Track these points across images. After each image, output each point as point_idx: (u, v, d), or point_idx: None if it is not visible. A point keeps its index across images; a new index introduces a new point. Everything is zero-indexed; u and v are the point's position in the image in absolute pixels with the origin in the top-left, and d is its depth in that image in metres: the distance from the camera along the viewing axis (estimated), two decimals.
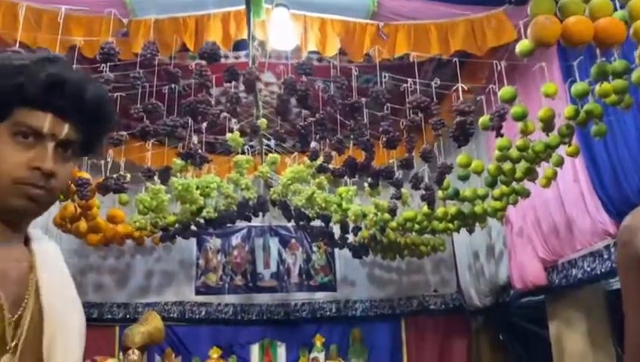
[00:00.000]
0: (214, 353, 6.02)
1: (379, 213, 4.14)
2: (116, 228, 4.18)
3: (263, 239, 6.28)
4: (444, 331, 6.23)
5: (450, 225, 4.30)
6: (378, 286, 6.29)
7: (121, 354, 3.84)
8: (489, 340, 6.55)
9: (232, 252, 6.19)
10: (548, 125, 2.95)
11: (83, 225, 3.93)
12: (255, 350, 6.13)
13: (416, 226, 4.35)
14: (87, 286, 5.88)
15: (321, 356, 6.09)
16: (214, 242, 6.19)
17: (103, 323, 5.61)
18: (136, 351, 3.78)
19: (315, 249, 6.32)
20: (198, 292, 6.12)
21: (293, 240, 6.32)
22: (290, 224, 6.17)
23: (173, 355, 5.82)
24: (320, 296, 6.24)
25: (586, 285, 4.39)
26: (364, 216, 4.34)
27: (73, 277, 1.18)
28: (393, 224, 4.41)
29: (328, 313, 6.20)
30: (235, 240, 6.23)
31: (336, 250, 6.26)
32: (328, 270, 6.32)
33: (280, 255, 6.26)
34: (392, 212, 4.05)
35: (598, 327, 4.62)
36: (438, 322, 6.25)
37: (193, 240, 6.07)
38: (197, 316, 6.03)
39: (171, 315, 5.97)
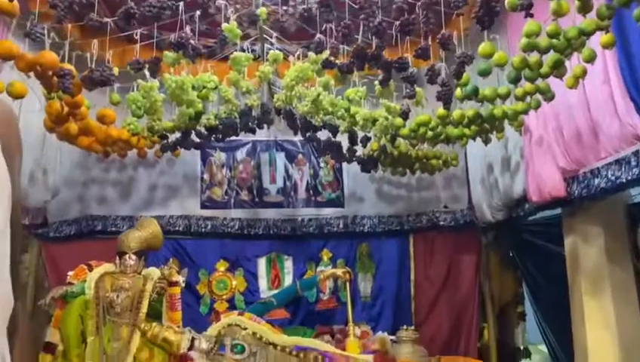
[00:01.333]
0: (221, 266, 5.87)
1: (390, 117, 3.76)
2: (109, 131, 3.85)
3: (269, 154, 5.96)
4: (453, 247, 6.00)
5: (466, 131, 3.92)
6: (387, 202, 6.01)
7: (117, 259, 3.59)
8: (499, 257, 6.32)
9: (237, 166, 5.89)
10: (585, 4, 2.50)
11: (73, 126, 3.60)
12: (262, 263, 5.94)
13: (430, 133, 3.97)
14: (90, 200, 5.65)
15: (328, 269, 5.88)
16: (219, 156, 5.88)
17: (107, 235, 5.41)
18: (133, 256, 3.53)
19: (322, 164, 6.01)
20: (203, 207, 5.88)
21: (300, 156, 6.00)
22: (297, 138, 5.85)
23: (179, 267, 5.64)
24: (327, 211, 5.98)
25: (607, 197, 4.07)
26: (374, 121, 3.96)
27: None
28: (405, 131, 4.04)
29: (335, 228, 5.95)
30: (240, 154, 5.92)
31: (345, 166, 5.96)
32: (336, 186, 6.02)
33: (286, 170, 5.97)
34: (404, 115, 3.67)
35: (616, 242, 4.34)
36: (447, 238, 6.01)
37: (197, 154, 5.78)
38: (203, 230, 5.82)
39: (177, 228, 5.76)
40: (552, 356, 6.32)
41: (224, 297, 5.83)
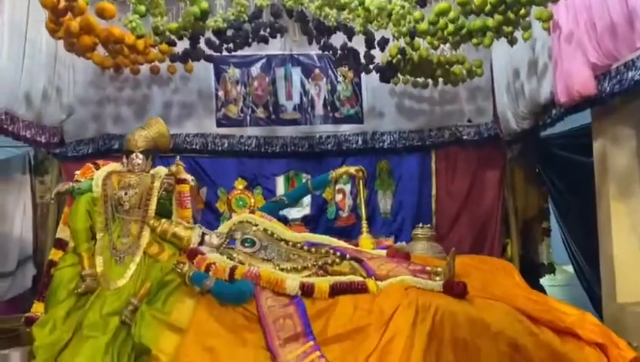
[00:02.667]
0: (239, 184, 5.78)
1: (406, 5, 3.49)
2: (110, 29, 3.68)
3: (285, 69, 5.74)
4: (476, 162, 5.78)
5: (489, 22, 3.63)
6: (408, 117, 5.78)
7: (124, 158, 3.49)
8: (524, 172, 6.10)
9: (252, 83, 5.70)
10: None
11: (74, 24, 3.44)
12: (280, 181, 5.82)
13: (450, 26, 3.70)
14: (105, 118, 5.57)
15: (347, 187, 5.77)
16: (233, 72, 5.69)
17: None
18: (140, 155, 3.42)
19: (340, 79, 5.77)
20: (219, 125, 5.74)
21: (316, 70, 5.77)
22: (314, 52, 5.62)
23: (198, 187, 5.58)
24: (346, 128, 5.79)
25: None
26: (390, 15, 3.70)
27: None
28: (423, 25, 3.77)
29: (354, 145, 5.77)
30: (255, 70, 5.71)
31: (364, 80, 5.72)
32: (355, 101, 5.80)
33: (303, 86, 5.75)
34: (422, 2, 3.39)
35: None
36: (470, 153, 5.79)
37: (210, 70, 5.62)
38: (220, 148, 5.70)
39: (193, 147, 5.66)
40: (578, 273, 6.18)
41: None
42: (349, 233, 5.34)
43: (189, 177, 3.44)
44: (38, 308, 3.29)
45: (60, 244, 3.39)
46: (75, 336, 2.93)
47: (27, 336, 2.98)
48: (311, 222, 5.72)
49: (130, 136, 3.58)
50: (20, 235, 5.49)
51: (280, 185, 5.85)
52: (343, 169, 3.92)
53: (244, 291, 2.87)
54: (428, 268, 3.12)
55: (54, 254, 3.40)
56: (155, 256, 3.21)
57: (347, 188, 5.78)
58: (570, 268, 6.88)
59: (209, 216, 5.54)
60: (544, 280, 6.33)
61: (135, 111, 5.63)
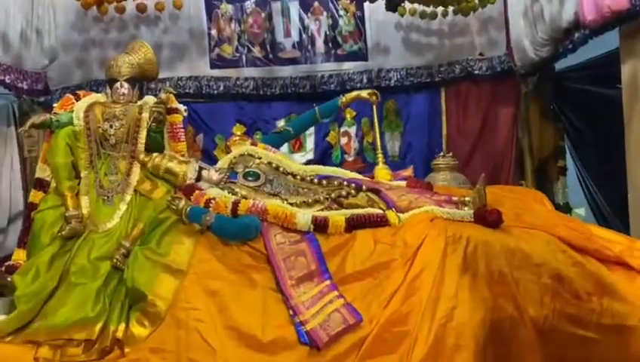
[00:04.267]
0: (238, 130, 5.32)
1: None
2: None
3: (281, 3, 5.25)
4: (489, 98, 5.35)
5: None
6: (415, 52, 5.31)
7: (107, 88, 3.07)
8: (539, 108, 5.67)
9: (246, 19, 5.20)
10: None
11: None
12: (281, 124, 5.35)
13: None
14: (91, 63, 5.09)
15: (352, 130, 5.36)
16: (225, 8, 5.19)
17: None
18: (125, 84, 3.00)
19: (342, 12, 5.27)
20: (213, 66, 5.26)
21: (315, 3, 5.27)
22: None
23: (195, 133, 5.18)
24: (349, 65, 5.32)
25: None
26: None
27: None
28: None
29: (359, 84, 5.30)
30: (249, 5, 5.21)
31: (367, 13, 5.22)
32: (358, 37, 5.32)
33: (302, 21, 5.26)
34: None
35: None
36: (482, 89, 5.35)
37: (201, 8, 5.13)
38: (215, 91, 5.24)
39: (187, 91, 5.18)
40: (596, 213, 5.87)
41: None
42: None
43: (181, 107, 3.03)
44: (19, 255, 2.90)
45: (40, 185, 2.97)
46: (61, 284, 2.57)
47: (10, 286, 2.63)
48: None
49: (113, 62, 3.15)
50: (8, 191, 5.12)
51: None
52: (355, 93, 3.51)
53: (250, 225, 2.50)
54: (454, 198, 2.75)
55: (34, 196, 3.00)
56: (148, 193, 2.82)
57: (352, 130, 5.38)
58: (582, 211, 6.60)
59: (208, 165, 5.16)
60: None
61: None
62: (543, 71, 5.11)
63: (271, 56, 5.26)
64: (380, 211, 2.66)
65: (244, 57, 5.25)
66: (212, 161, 5.42)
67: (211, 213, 2.50)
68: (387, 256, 2.49)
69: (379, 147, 3.41)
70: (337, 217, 2.59)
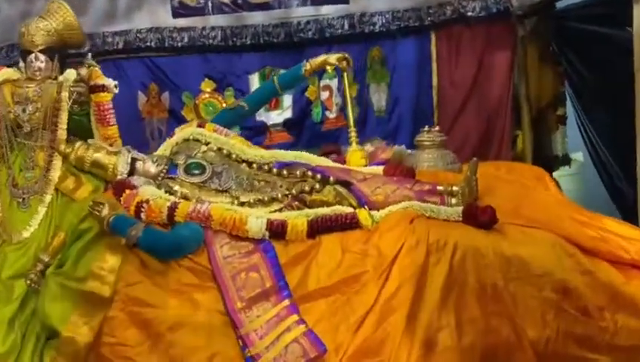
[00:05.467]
0: (207, 86, 4.68)
1: None
2: None
3: None
4: (483, 43, 4.70)
5: None
6: None
7: (20, 62, 2.48)
8: (538, 52, 5.05)
9: None
10: None
11: None
12: (255, 80, 4.72)
13: None
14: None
15: (334, 83, 4.74)
16: None
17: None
18: (41, 56, 2.41)
19: None
20: (176, 15, 4.56)
21: None
22: None
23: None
24: (328, 10, 4.62)
25: None
26: None
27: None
28: None
29: (340, 31, 4.64)
30: None
31: None
32: None
33: None
34: None
35: None
36: (476, 33, 4.69)
37: None
38: (179, 44, 4.55)
39: (148, 44, 4.49)
40: (596, 162, 5.44)
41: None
42: (339, 137, 4.44)
43: (109, 82, 2.46)
44: None
45: None
46: None
47: None
48: (294, 127, 4.78)
49: (24, 29, 2.54)
50: None
51: (255, 85, 4.82)
52: (321, 58, 2.93)
53: (188, 239, 2.00)
54: (440, 188, 2.24)
55: None
56: (70, 193, 2.31)
57: (334, 83, 4.76)
58: (579, 156, 6.21)
59: (175, 127, 4.58)
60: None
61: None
62: (543, 9, 4.52)
63: (240, 1, 4.60)
64: (350, 210, 2.15)
65: (209, 3, 4.55)
66: (180, 121, 4.88)
67: (139, 225, 1.98)
68: (358, 268, 2.00)
69: (351, 124, 2.86)
70: (298, 220, 2.08)
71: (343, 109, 4.82)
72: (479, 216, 2.04)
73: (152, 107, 4.43)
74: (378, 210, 2.19)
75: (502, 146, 4.84)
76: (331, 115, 4.81)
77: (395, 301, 1.93)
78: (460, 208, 2.11)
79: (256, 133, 4.17)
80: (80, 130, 2.48)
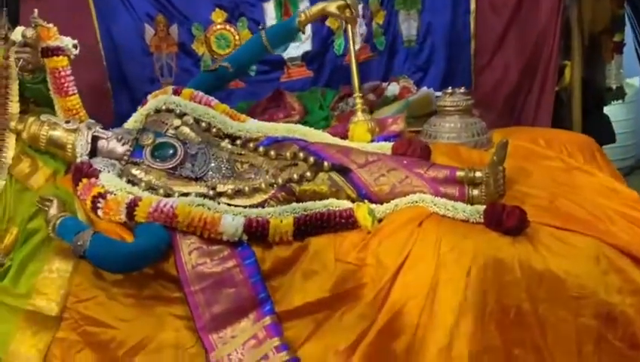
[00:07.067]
0: (218, 17, 4.13)
1: None
2: None
3: None
4: None
5: None
6: None
7: None
8: None
9: None
10: None
11: None
12: (270, 8, 4.12)
13: None
14: None
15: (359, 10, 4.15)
16: None
17: None
18: None
19: None
20: None
21: None
22: None
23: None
24: None
25: None
26: None
27: None
28: None
29: None
30: None
31: None
32: None
33: None
34: None
35: None
36: None
37: None
38: None
39: None
40: None
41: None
42: (363, 71, 3.92)
43: (66, 42, 2.02)
44: None
45: None
46: None
47: None
48: (314, 61, 4.26)
49: None
50: None
51: (270, 14, 4.21)
52: (319, 6, 2.38)
53: (145, 252, 1.61)
54: (459, 173, 1.79)
55: None
56: (25, 179, 1.96)
57: (359, 10, 4.22)
58: (636, 82, 5.52)
59: (186, 62, 4.09)
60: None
61: None
62: None
63: None
64: (347, 204, 1.73)
65: None
66: (191, 56, 4.40)
67: (86, 234, 1.58)
68: (353, 281, 1.61)
69: (356, 86, 2.33)
70: (282, 219, 1.70)
71: (368, 40, 4.23)
72: (505, 221, 1.59)
73: (160, 41, 3.94)
74: (382, 203, 1.77)
75: (546, 79, 4.18)
76: (355, 46, 4.23)
77: (396, 324, 1.56)
78: (482, 207, 1.67)
79: (272, 68, 3.69)
80: (42, 100, 2.08)
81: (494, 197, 1.72)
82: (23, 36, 1.93)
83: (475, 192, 1.76)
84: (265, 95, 3.40)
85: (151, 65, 3.69)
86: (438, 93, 3.21)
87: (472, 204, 1.72)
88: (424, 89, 3.51)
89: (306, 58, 4.15)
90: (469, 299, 1.55)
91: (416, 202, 1.73)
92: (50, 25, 1.99)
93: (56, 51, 1.99)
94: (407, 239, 1.63)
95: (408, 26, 4.26)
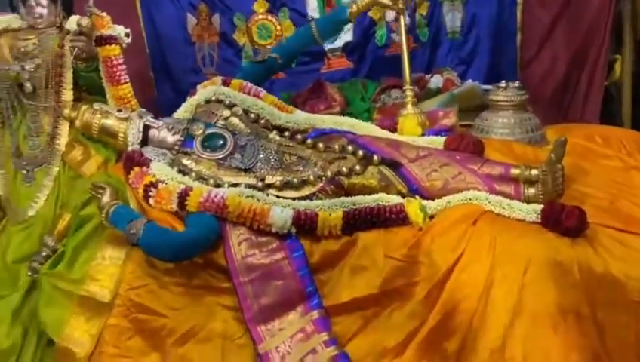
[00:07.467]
0: (260, 7, 4.09)
1: None
2: None
3: None
4: None
5: None
6: None
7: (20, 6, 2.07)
8: None
9: None
10: None
11: None
12: None
13: None
14: None
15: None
16: None
17: None
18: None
19: None
20: None
21: None
22: None
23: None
24: None
25: None
26: None
27: None
28: None
29: None
30: None
31: None
32: None
33: None
34: None
35: None
36: None
37: None
38: None
39: None
40: None
41: (269, 46, 4.29)
42: None
43: (118, 30, 2.02)
44: None
45: None
46: None
47: None
48: (355, 52, 4.19)
49: None
50: None
51: (312, 4, 4.18)
52: None
53: (196, 241, 1.61)
54: (514, 171, 1.73)
55: None
56: (77, 166, 1.98)
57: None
58: None
59: (227, 52, 4.10)
60: None
61: None
62: None
63: None
64: (398, 199, 1.70)
65: None
66: (232, 46, 4.40)
67: (139, 223, 1.60)
68: (403, 278, 1.58)
69: (407, 78, 2.26)
70: (331, 212, 1.67)
71: (411, 31, 4.13)
72: (564, 221, 1.52)
73: (202, 30, 3.94)
74: (433, 199, 1.72)
75: (595, 73, 4.00)
76: (398, 37, 4.14)
77: (448, 324, 1.51)
78: (539, 206, 1.60)
79: (313, 59, 3.65)
80: (94, 88, 2.10)
81: (552, 197, 1.66)
82: (79, 25, 1.94)
83: (532, 191, 1.70)
84: (305, 86, 3.36)
85: (193, 55, 3.69)
86: (486, 87, 3.12)
87: (527, 203, 1.66)
88: (469, 82, 3.42)
89: (347, 49, 4.09)
90: (525, 300, 1.50)
91: (470, 199, 1.67)
92: (104, 13, 2.00)
93: (110, 40, 2.00)
94: (461, 237, 1.58)
95: (452, 17, 4.14)
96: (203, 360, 1.59)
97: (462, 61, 4.01)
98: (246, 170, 1.83)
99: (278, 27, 4.16)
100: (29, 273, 1.81)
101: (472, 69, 3.72)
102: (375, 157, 1.79)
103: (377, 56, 4.03)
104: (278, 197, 1.76)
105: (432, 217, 1.69)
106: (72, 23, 2.00)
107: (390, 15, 4.13)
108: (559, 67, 3.87)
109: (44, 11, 2.05)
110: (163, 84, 3.51)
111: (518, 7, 4.01)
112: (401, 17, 2.35)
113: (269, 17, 4.13)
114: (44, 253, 1.82)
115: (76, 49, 1.93)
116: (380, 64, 3.93)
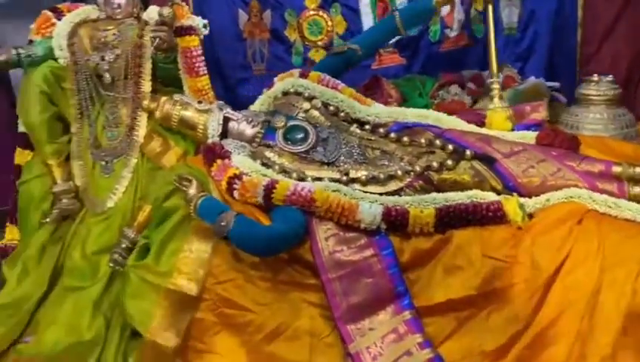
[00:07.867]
0: (312, 3, 4.04)
1: None
2: None
3: None
4: None
5: None
6: None
7: None
8: None
9: None
10: None
11: None
12: None
13: None
14: None
15: None
16: None
17: None
18: None
19: None
20: None
21: None
22: None
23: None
24: None
25: None
26: None
27: None
28: None
29: None
30: None
31: None
32: None
33: None
34: None
35: None
36: None
37: None
38: None
39: None
40: None
41: (319, 43, 4.19)
42: (460, 59, 3.70)
43: (197, 21, 1.99)
44: (12, 233, 2.09)
45: (27, 141, 2.09)
46: (54, 285, 1.90)
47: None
48: (407, 47, 4.10)
49: None
50: None
51: (365, 2, 4.13)
52: None
53: (285, 236, 1.56)
54: (616, 169, 1.62)
55: (20, 156, 2.12)
56: (156, 158, 1.94)
57: None
58: None
59: (277, 49, 4.04)
60: None
61: None
62: None
63: None
64: (493, 196, 1.61)
65: None
66: (283, 42, 4.34)
67: (229, 215, 1.55)
68: (503, 279, 1.50)
69: (494, 69, 2.16)
70: (423, 208, 1.59)
71: (465, 27, 4.02)
72: None
73: (253, 27, 3.89)
74: (530, 197, 1.63)
75: None
76: (452, 33, 3.95)
77: (553, 331, 1.42)
78: None
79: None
80: (170, 80, 2.06)
81: None
82: (160, 15, 1.91)
83: (637, 189, 1.59)
84: (356, 82, 3.29)
85: (243, 51, 3.63)
86: (551, 84, 2.99)
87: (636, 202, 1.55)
88: (532, 78, 3.28)
89: (400, 45, 3.99)
90: (638, 306, 1.39)
91: (572, 197, 1.57)
92: (184, 3, 1.96)
93: (189, 30, 1.96)
94: (565, 238, 1.48)
95: (509, 13, 3.98)
96: (292, 359, 1.53)
97: (518, 57, 3.85)
98: (329, 164, 1.77)
99: (330, 23, 4.06)
100: (111, 264, 1.77)
101: (529, 65, 3.57)
102: (468, 152, 1.70)
103: (431, 52, 3.90)
104: (363, 192, 1.69)
105: (530, 215, 1.59)
106: (152, 12, 1.96)
107: (444, 9, 4.01)
108: (620, 65, 3.68)
109: (122, 2, 2.03)
110: (214, 81, 3.48)
111: (579, 3, 3.85)
112: (489, 7, 2.24)
113: (321, 13, 4.05)
114: (123, 245, 1.79)
115: (157, 39, 1.90)
116: (434, 60, 3.80)
